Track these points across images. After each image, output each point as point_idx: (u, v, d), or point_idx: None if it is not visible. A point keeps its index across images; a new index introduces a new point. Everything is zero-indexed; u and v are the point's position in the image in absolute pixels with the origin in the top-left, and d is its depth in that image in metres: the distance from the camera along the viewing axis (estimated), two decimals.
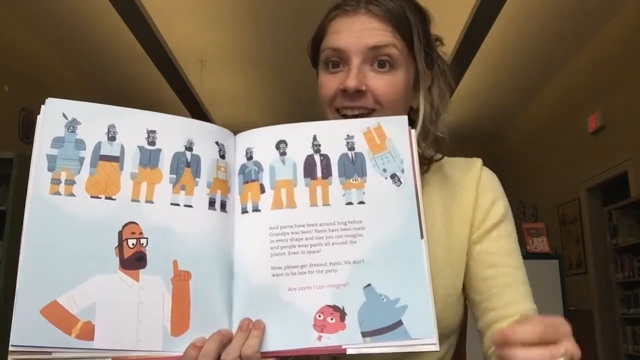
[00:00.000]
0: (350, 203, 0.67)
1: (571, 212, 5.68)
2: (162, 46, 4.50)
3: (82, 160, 0.64)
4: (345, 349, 0.62)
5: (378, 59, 0.77)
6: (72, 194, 0.63)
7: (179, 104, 5.69)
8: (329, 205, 0.67)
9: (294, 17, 4.77)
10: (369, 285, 0.64)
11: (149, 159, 0.66)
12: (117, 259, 0.62)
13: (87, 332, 0.59)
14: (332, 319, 0.63)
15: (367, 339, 0.62)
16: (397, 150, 0.69)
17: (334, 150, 0.69)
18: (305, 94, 6.32)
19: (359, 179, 0.68)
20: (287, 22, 4.85)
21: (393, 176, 0.68)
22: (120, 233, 0.63)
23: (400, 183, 0.68)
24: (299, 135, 0.69)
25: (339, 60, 0.79)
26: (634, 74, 4.48)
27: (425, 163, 0.84)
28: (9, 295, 3.26)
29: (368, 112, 0.77)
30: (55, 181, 0.63)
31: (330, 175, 0.68)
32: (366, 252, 0.65)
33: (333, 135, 0.69)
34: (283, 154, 0.68)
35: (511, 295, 0.81)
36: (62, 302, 0.60)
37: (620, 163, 4.68)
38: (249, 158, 0.69)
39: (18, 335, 0.58)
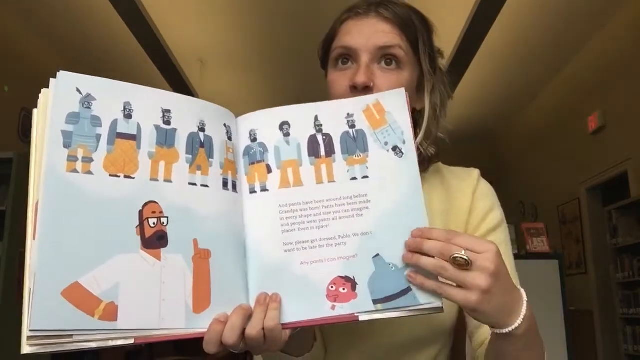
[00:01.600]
0: (354, 178, 0.69)
1: (571, 212, 5.68)
2: (162, 46, 4.50)
3: (99, 137, 0.62)
4: (357, 317, 0.65)
5: (385, 57, 0.81)
6: (90, 172, 0.61)
7: None
8: (334, 181, 0.69)
9: (293, 17, 4.77)
10: (378, 255, 0.67)
11: (165, 138, 0.65)
12: (139, 239, 0.61)
13: (111, 313, 0.58)
14: (344, 289, 0.66)
15: (379, 305, 0.65)
16: (397, 123, 0.71)
17: (336, 129, 0.71)
18: (305, 94, 6.31)
19: (361, 154, 0.70)
20: (287, 22, 4.85)
21: (395, 148, 0.71)
22: (140, 212, 0.62)
23: (402, 154, 0.70)
24: (301, 117, 0.72)
25: (349, 58, 0.83)
26: (634, 74, 4.48)
27: (426, 162, 0.87)
28: (9, 295, 3.26)
29: None
30: (72, 158, 0.60)
31: (334, 153, 0.70)
32: (373, 224, 0.68)
33: (334, 114, 0.72)
34: (287, 134, 0.71)
35: None
36: (84, 283, 0.57)
37: (620, 163, 4.68)
38: (253, 140, 0.71)
39: (38, 319, 0.56)
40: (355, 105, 0.72)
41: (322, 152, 0.70)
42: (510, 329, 0.63)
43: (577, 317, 4.55)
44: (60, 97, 0.62)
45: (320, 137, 0.71)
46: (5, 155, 3.49)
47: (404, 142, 0.71)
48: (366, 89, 0.79)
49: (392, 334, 0.84)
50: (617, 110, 4.78)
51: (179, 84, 5.19)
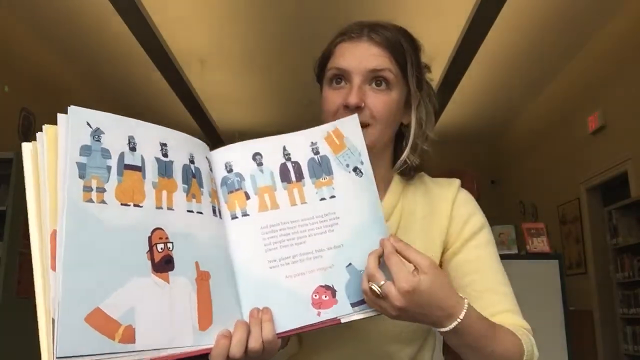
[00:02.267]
0: (323, 199, 0.79)
1: (571, 212, 5.68)
2: (162, 46, 4.50)
3: (109, 168, 0.66)
4: (340, 320, 0.74)
5: (376, 79, 0.89)
6: (103, 202, 0.65)
7: (179, 104, 5.69)
8: (306, 203, 0.78)
9: (293, 18, 4.77)
10: (350, 264, 0.76)
11: (165, 169, 0.71)
12: (149, 263, 0.66)
13: (129, 335, 0.61)
14: (326, 297, 0.75)
15: (356, 308, 0.75)
16: (354, 146, 0.81)
17: (303, 156, 0.80)
18: (305, 94, 6.31)
19: (327, 177, 0.80)
20: (287, 23, 4.86)
21: (355, 169, 0.81)
22: (149, 238, 0.67)
23: (362, 173, 0.80)
24: (271, 148, 0.80)
25: (342, 78, 0.90)
26: (634, 74, 4.48)
27: (412, 172, 0.95)
28: (9, 295, 3.26)
29: (364, 126, 0.86)
30: (87, 189, 0.64)
31: (303, 177, 0.79)
32: (344, 237, 0.77)
33: (299, 144, 0.81)
34: (260, 164, 0.79)
35: (490, 298, 0.87)
36: (104, 308, 0.61)
37: (620, 163, 4.69)
38: (229, 171, 0.78)
39: (64, 346, 0.58)
40: (317, 134, 0.81)
41: (293, 177, 0.79)
42: (446, 329, 0.71)
43: (577, 317, 4.55)
44: (73, 130, 0.65)
45: (289, 165, 0.79)
46: (5, 155, 3.49)
47: (361, 163, 0.80)
48: (358, 109, 0.86)
49: (368, 331, 0.88)
50: (617, 110, 4.78)
51: (179, 84, 5.19)
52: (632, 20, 4.51)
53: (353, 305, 0.75)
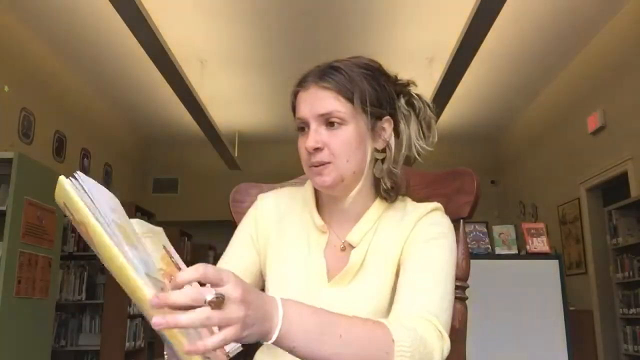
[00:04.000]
0: None
1: (571, 212, 5.68)
2: (162, 46, 4.50)
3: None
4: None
5: (327, 121, 0.94)
6: None
7: (179, 104, 5.68)
8: None
9: (293, 17, 4.77)
10: None
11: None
12: None
13: None
14: None
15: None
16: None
17: None
18: None
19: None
20: (286, 22, 4.86)
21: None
22: None
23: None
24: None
25: (304, 125, 0.97)
26: (634, 74, 4.48)
27: (389, 195, 0.99)
28: (9, 295, 3.26)
29: (325, 164, 0.93)
30: None
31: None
32: None
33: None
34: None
35: (408, 297, 0.86)
36: None
37: (620, 163, 4.69)
38: None
39: None
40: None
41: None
42: (273, 339, 0.66)
43: (577, 317, 4.54)
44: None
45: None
46: (5, 155, 3.49)
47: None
48: (317, 150, 0.93)
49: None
50: (617, 110, 4.78)
51: (179, 84, 5.18)
52: (632, 20, 4.51)
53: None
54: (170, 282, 0.64)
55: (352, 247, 0.97)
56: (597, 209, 5.24)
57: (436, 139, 1.03)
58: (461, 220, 1.07)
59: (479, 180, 1.06)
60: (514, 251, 3.61)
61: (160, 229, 0.86)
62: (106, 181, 6.72)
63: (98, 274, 4.82)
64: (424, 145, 1.01)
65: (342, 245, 0.98)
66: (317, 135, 0.94)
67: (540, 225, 3.78)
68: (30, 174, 3.56)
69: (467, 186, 1.06)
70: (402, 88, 1.03)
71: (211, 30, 4.99)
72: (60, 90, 5.55)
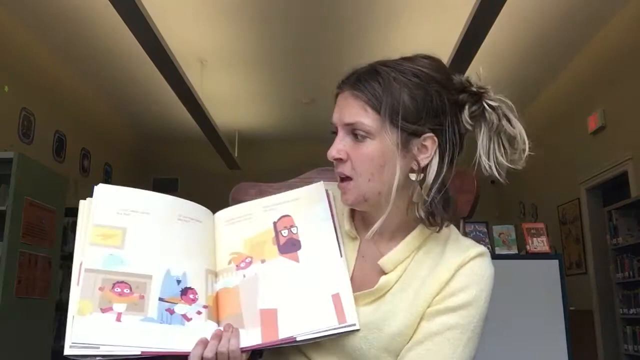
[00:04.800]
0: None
1: (571, 212, 5.68)
2: (162, 46, 4.49)
3: None
4: (295, 338, 0.83)
5: (353, 132, 0.86)
6: None
7: (179, 104, 5.68)
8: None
9: (294, 17, 4.77)
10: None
11: None
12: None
13: None
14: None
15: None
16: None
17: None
18: (306, 94, 6.31)
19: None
20: (287, 22, 4.85)
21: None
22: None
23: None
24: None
25: (335, 131, 0.90)
26: (634, 74, 4.48)
27: (429, 220, 0.88)
28: (9, 295, 3.26)
29: (348, 180, 0.87)
30: None
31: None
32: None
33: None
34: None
35: None
36: None
37: (620, 163, 4.68)
38: None
39: None
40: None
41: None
42: None
43: (577, 317, 4.55)
44: None
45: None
46: (5, 155, 3.49)
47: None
48: (339, 160, 0.88)
49: (359, 348, 0.86)
50: (617, 110, 4.78)
51: (179, 84, 5.18)
52: (632, 20, 4.51)
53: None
54: (237, 267, 0.92)
55: (383, 272, 0.89)
56: (597, 209, 5.24)
57: (524, 154, 0.92)
58: (461, 220, 1.07)
59: (478, 180, 1.06)
60: (514, 251, 3.61)
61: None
62: (106, 181, 6.71)
63: None
64: (505, 163, 0.91)
65: (372, 263, 0.91)
66: (341, 144, 0.87)
67: (540, 225, 3.78)
68: (30, 174, 3.56)
69: (467, 185, 1.06)
70: (468, 97, 0.92)
71: (211, 30, 4.99)
72: (60, 90, 5.55)
